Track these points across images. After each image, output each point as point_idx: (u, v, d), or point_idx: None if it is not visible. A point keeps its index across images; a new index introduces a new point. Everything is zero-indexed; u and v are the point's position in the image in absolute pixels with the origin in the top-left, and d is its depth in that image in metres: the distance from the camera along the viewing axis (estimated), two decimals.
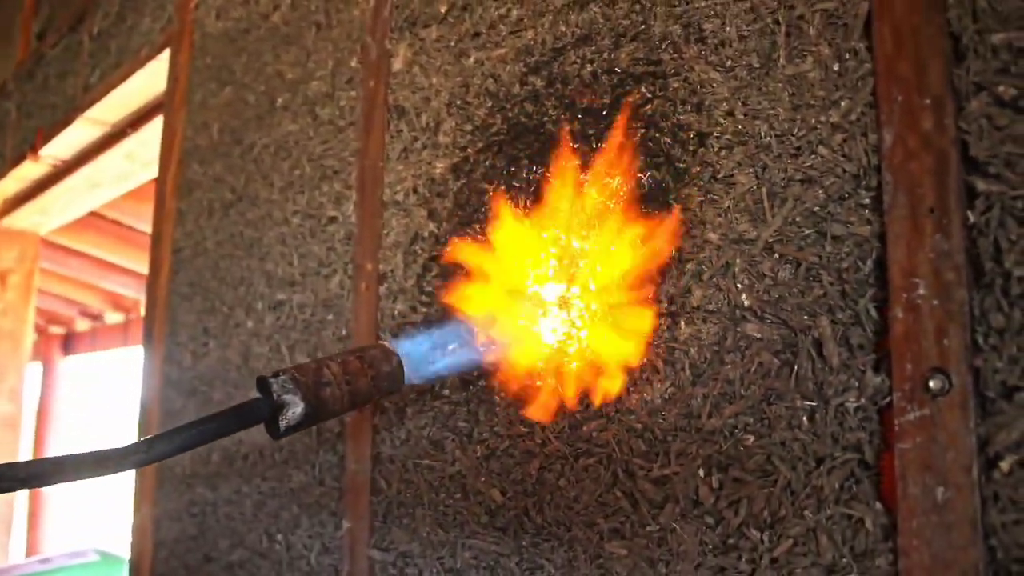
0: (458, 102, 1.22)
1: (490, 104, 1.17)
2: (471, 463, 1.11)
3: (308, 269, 1.44)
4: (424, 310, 1.21)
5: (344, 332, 1.34)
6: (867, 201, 0.80)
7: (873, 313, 0.78)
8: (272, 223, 1.55)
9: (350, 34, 1.45)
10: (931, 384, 0.74)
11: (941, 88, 0.76)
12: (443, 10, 1.27)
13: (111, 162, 2.66)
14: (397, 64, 1.34)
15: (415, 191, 1.26)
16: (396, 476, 1.21)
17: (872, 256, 0.79)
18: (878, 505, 0.76)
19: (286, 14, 1.61)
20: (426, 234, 1.23)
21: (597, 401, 0.97)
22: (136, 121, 2.40)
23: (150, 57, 2.07)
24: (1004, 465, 0.69)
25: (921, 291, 0.75)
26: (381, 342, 0.96)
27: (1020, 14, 0.72)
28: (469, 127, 1.19)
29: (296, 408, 0.80)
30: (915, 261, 0.75)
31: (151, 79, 2.17)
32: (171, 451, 0.76)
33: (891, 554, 0.75)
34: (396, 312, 1.26)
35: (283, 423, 0.81)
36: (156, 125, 2.37)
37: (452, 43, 1.25)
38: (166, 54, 2.01)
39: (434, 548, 1.14)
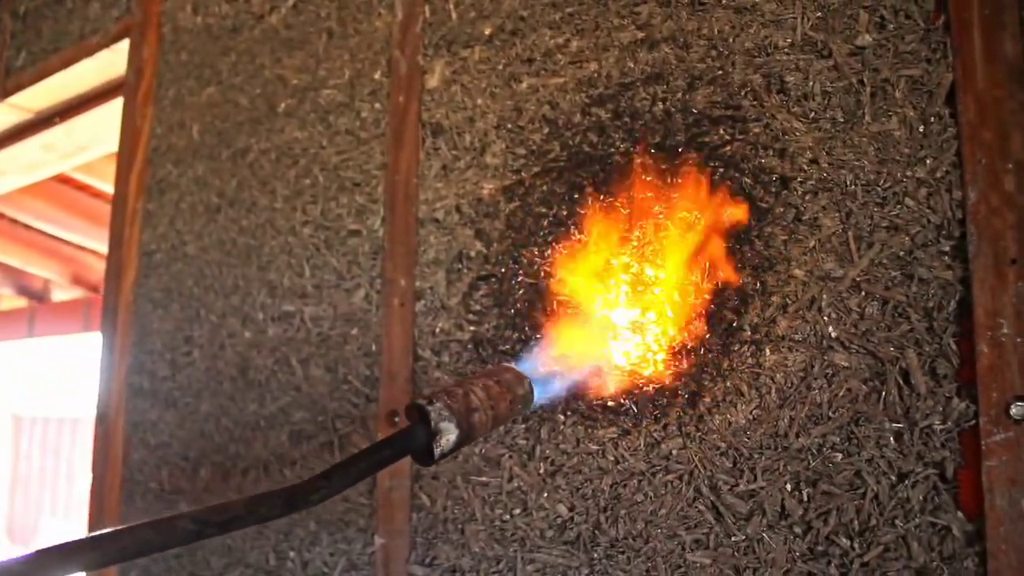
0: (509, 125, 1.26)
1: (547, 131, 1.22)
2: (533, 479, 1.15)
3: (324, 281, 1.43)
4: (473, 329, 1.24)
5: (374, 348, 1.35)
6: (947, 249, 0.92)
7: (955, 347, 0.90)
8: (275, 232, 1.53)
9: (371, 45, 1.45)
10: (1013, 411, 0.86)
11: (1022, 154, 0.88)
12: (488, 32, 1.30)
13: (24, 151, 2.47)
14: (432, 81, 1.36)
15: (458, 210, 1.29)
16: (442, 492, 1.24)
17: (955, 298, 0.90)
18: (960, 514, 0.88)
19: (288, 18, 1.59)
20: (473, 253, 1.26)
21: (676, 422, 1.05)
22: (67, 110, 2.25)
23: (103, 46, 1.95)
24: None
25: (1005, 330, 0.87)
26: (509, 365, 0.99)
27: None
28: (523, 151, 1.24)
29: (451, 435, 0.83)
30: (999, 304, 0.87)
31: (99, 68, 2.05)
32: (348, 483, 0.77)
33: (977, 557, 0.86)
34: (438, 329, 1.28)
35: (438, 450, 0.83)
36: (92, 116, 2.24)
37: (500, 67, 1.28)
38: (124, 44, 1.91)
39: (489, 563, 1.18)
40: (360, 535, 1.32)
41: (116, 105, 2.09)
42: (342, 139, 1.46)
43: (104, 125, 2.37)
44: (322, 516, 1.37)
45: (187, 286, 1.67)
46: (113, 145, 2.57)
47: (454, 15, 1.35)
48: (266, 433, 1.47)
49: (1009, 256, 0.88)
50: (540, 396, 0.98)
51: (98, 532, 0.64)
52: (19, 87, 2.21)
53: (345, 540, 1.34)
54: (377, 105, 1.42)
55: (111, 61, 2.01)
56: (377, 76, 1.44)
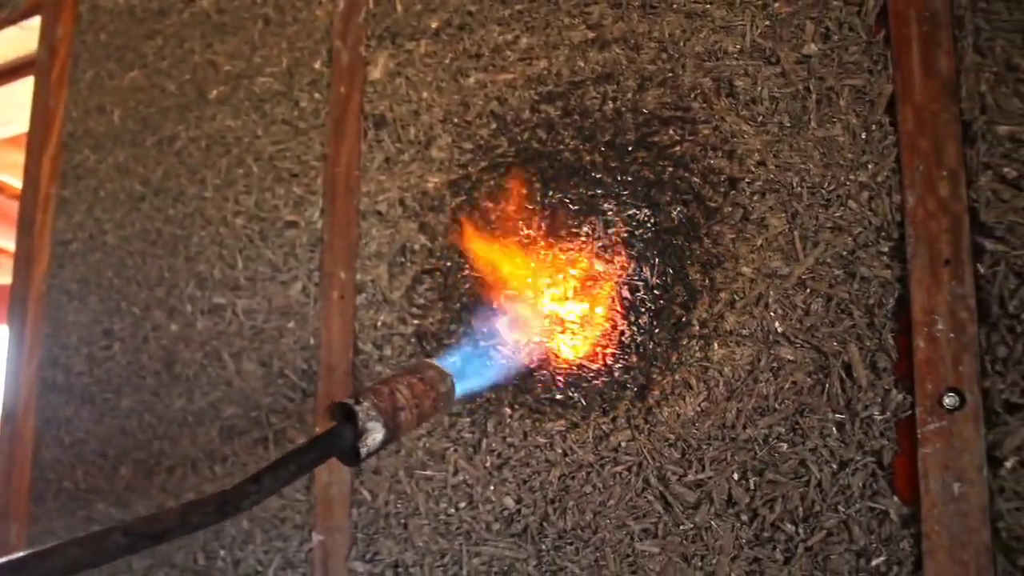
0: (455, 119, 1.26)
1: (495, 126, 1.23)
2: (479, 473, 1.16)
3: (258, 274, 1.40)
4: (416, 323, 1.24)
5: (312, 341, 1.32)
6: (887, 249, 0.97)
7: (893, 342, 0.95)
8: (204, 222, 1.48)
9: (311, 34, 1.43)
10: (946, 401, 0.92)
11: (956, 164, 0.94)
12: (434, 26, 1.30)
13: None
14: (375, 73, 1.34)
15: (402, 203, 1.28)
16: (384, 487, 1.23)
17: (894, 295, 0.96)
18: (896, 499, 0.93)
19: (220, 2, 1.54)
20: (417, 247, 1.26)
21: (624, 415, 1.07)
22: None
23: (11, 21, 1.84)
24: (1008, 464, 0.88)
25: (939, 326, 0.93)
26: (430, 361, 0.99)
27: (1020, 111, 0.93)
28: (470, 145, 1.24)
29: (377, 434, 0.82)
30: (934, 302, 0.93)
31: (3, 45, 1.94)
32: (278, 486, 0.76)
33: (912, 539, 0.92)
34: (380, 323, 1.27)
35: (364, 450, 0.82)
36: None
37: (447, 61, 1.28)
38: (35, 21, 1.81)
39: (433, 557, 1.17)
40: (297, 532, 1.29)
41: (17, 87, 1.99)
42: (279, 129, 1.43)
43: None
44: (256, 514, 1.33)
45: (106, 277, 1.59)
46: (7, 130, 2.44)
47: (399, 7, 1.34)
48: (194, 429, 1.42)
49: (944, 257, 0.93)
50: (475, 387, 0.98)
51: (16, 555, 0.60)
52: None
53: (280, 537, 1.31)
54: (317, 95, 1.40)
55: (18, 39, 1.90)
56: (317, 66, 1.41)
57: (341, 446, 0.83)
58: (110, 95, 1.67)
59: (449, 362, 1.03)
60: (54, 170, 1.69)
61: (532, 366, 1.11)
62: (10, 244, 4.07)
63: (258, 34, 1.49)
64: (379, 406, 0.85)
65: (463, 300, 1.21)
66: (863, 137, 0.99)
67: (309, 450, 0.81)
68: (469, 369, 1.05)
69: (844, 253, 0.99)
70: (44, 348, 1.65)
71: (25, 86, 2.01)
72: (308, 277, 1.35)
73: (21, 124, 2.60)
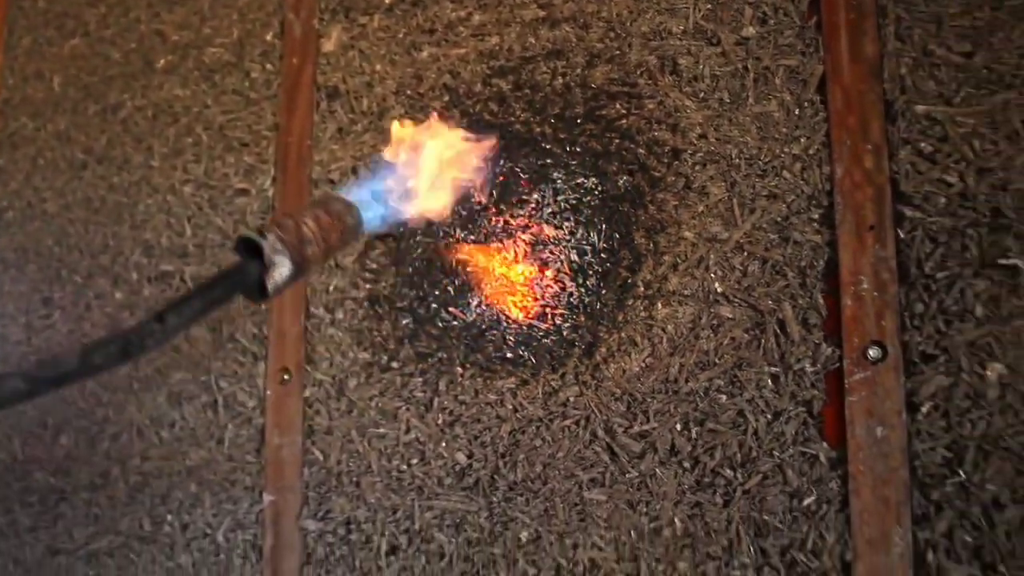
0: (408, 92, 1.30)
1: (447, 98, 1.27)
2: (431, 430, 1.20)
3: (207, 241, 1.41)
4: (368, 287, 1.27)
5: (263, 307, 1.34)
6: (817, 216, 1.05)
7: (823, 301, 1.04)
8: (151, 190, 1.47)
9: (262, 6, 1.44)
10: (870, 353, 1.01)
11: (879, 139, 1.03)
12: (388, 1, 1.34)
13: None
14: (328, 46, 1.37)
15: (355, 172, 1.31)
16: (336, 446, 1.25)
17: (824, 258, 1.04)
18: (825, 444, 1.02)
19: None
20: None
21: (573, 371, 1.13)
22: None
23: None
24: (924, 409, 0.97)
25: (864, 286, 1.01)
26: (337, 194, 0.96)
27: (935, 92, 1.02)
28: (422, 116, 1.28)
29: (284, 268, 0.79)
30: (859, 264, 1.02)
31: None
32: (183, 325, 0.74)
33: (840, 479, 1.00)
34: (332, 287, 1.30)
35: (271, 284, 0.79)
36: None
37: (400, 35, 1.32)
38: None
39: (386, 512, 1.21)
40: (247, 493, 1.31)
41: None
42: (229, 99, 1.44)
43: None
44: (204, 477, 1.34)
45: (46, 245, 1.57)
46: None
47: None
48: (140, 396, 1.41)
49: (868, 223, 1.02)
50: (383, 218, 0.97)
51: None
52: None
53: (230, 500, 1.32)
54: (268, 66, 1.42)
55: None
56: (269, 38, 1.43)
57: (247, 281, 0.79)
58: (49, 62, 1.65)
59: (356, 194, 1.00)
60: None
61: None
62: None
63: (207, 5, 1.50)
64: (285, 240, 0.81)
65: (415, 265, 1.25)
66: (796, 113, 1.08)
67: (214, 286, 0.76)
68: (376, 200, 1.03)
69: (778, 219, 1.07)
70: None
71: None
72: None
73: None
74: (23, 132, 1.65)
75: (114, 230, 1.50)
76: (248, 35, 1.45)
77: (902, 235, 1.00)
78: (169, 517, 1.37)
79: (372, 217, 0.99)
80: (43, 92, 1.64)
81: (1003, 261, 0.96)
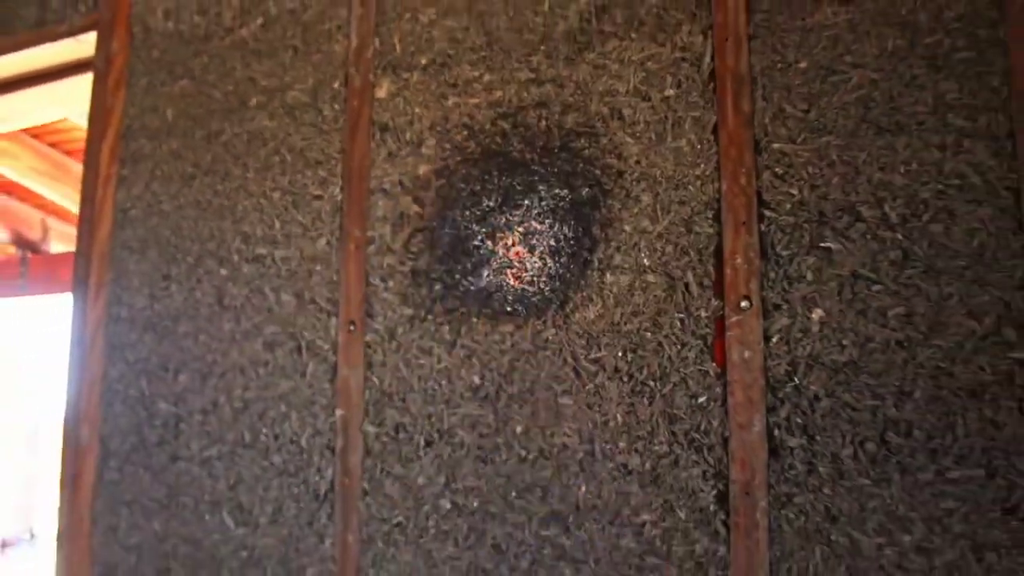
0: (439, 128, 1.86)
1: (466, 133, 1.83)
2: (455, 361, 1.75)
3: (292, 232, 1.96)
4: (411, 263, 1.83)
5: (335, 278, 1.89)
6: (710, 215, 1.61)
7: (713, 271, 1.60)
8: (247, 195, 2.03)
9: (331, 62, 2.00)
10: (742, 305, 1.56)
11: (751, 165, 1.59)
12: (423, 63, 1.89)
13: None
14: (381, 93, 1.93)
15: (401, 184, 1.87)
16: (388, 374, 1.81)
17: (715, 243, 1.60)
18: (714, 364, 1.57)
19: (257, 33, 2.09)
20: (412, 213, 1.85)
21: (551, 319, 1.69)
22: (4, 86, 2.58)
23: (70, 34, 2.33)
24: (773, 340, 1.53)
25: (739, 260, 1.57)
26: None
27: (785, 136, 1.58)
28: (449, 146, 1.84)
29: None
30: (736, 247, 1.58)
31: (48, 52, 2.42)
32: None
33: (722, 387, 1.56)
34: (385, 264, 1.85)
35: None
36: (28, 95, 2.60)
37: (433, 87, 1.88)
38: (90, 36, 2.31)
39: (424, 418, 1.76)
40: (323, 411, 1.86)
41: (63, 85, 2.49)
42: (307, 130, 2.00)
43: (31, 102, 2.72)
44: (292, 400, 1.90)
45: (164, 235, 2.13)
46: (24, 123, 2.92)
47: (398, 48, 1.93)
48: (241, 344, 1.97)
49: (742, 220, 1.58)
50: None
51: None
52: None
53: (312, 416, 1.87)
54: (336, 106, 1.97)
55: (69, 48, 2.40)
56: (336, 86, 1.98)
57: None
58: (163, 98, 2.20)
59: None
60: (113, 155, 2.20)
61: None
62: None
63: (289, 60, 2.05)
64: None
65: (444, 249, 1.80)
66: (698, 148, 1.63)
67: None
68: None
69: (686, 218, 1.62)
70: (109, 291, 2.16)
71: (71, 84, 2.50)
72: (331, 234, 1.92)
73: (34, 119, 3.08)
74: (142, 151, 2.20)
75: (219, 224, 2.06)
76: (320, 83, 2.00)
77: (763, 228, 1.56)
78: (264, 430, 1.92)
79: None
80: (158, 121, 2.20)
81: (823, 244, 1.52)
